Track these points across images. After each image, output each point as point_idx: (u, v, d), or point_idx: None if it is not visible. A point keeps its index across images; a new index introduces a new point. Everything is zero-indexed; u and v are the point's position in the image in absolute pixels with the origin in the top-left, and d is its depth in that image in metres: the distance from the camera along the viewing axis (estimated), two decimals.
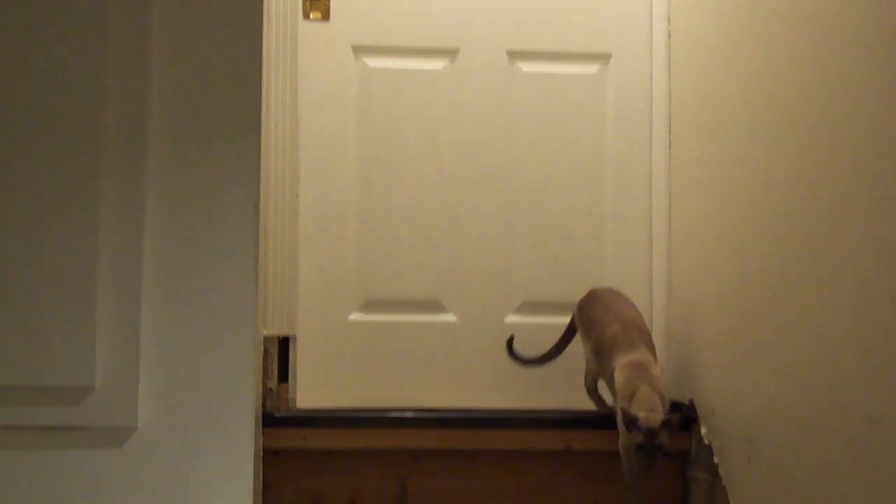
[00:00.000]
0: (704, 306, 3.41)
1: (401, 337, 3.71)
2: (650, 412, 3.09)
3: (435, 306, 3.74)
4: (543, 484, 3.40)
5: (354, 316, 3.71)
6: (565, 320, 3.58)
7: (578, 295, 3.60)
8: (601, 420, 3.38)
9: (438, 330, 3.73)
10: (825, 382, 2.65)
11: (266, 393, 3.44)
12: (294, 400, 3.58)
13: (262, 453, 3.18)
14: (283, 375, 3.56)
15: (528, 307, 3.76)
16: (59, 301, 1.79)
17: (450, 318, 3.74)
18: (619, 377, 3.23)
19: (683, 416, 3.31)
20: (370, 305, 3.72)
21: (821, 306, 2.68)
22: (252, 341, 1.88)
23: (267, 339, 3.49)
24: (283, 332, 3.58)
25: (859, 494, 2.49)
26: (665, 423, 3.08)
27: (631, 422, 3.08)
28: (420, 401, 3.64)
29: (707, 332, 3.38)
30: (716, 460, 3.23)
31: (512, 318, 3.75)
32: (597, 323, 3.40)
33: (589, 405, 3.48)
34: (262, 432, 3.21)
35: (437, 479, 3.36)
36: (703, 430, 3.30)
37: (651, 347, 3.31)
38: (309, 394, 3.62)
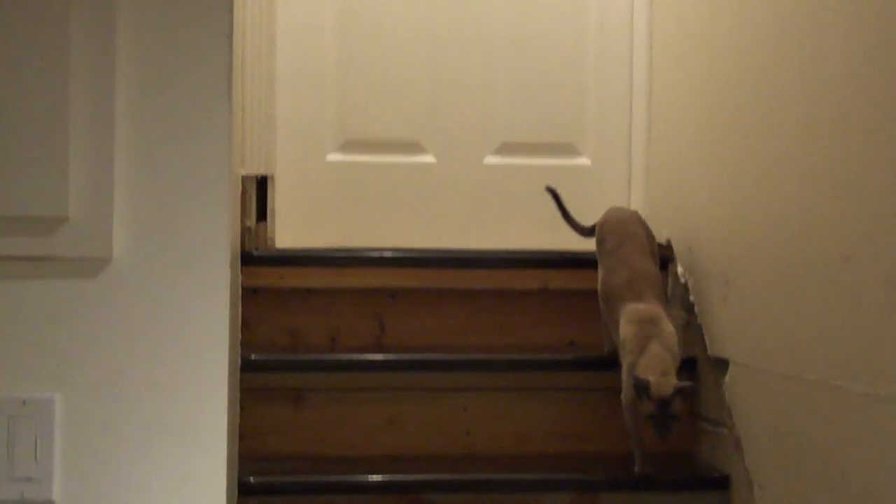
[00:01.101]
0: (684, 144, 3.39)
1: (379, 177, 3.70)
2: (663, 376, 2.87)
3: (414, 147, 3.72)
4: (520, 322, 3.42)
5: (333, 156, 3.69)
6: (545, 161, 3.57)
7: (558, 136, 3.58)
8: (577, 260, 3.39)
9: (417, 170, 3.72)
10: (803, 222, 2.66)
11: (244, 232, 3.43)
12: (273, 239, 3.58)
13: (240, 291, 3.19)
14: (262, 215, 3.56)
15: (508, 148, 3.74)
16: (31, 128, 1.77)
17: (428, 158, 3.73)
18: (626, 329, 3.02)
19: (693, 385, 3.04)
20: (348, 146, 3.70)
21: (800, 145, 2.68)
22: (227, 175, 1.87)
23: (245, 179, 3.47)
24: (262, 171, 3.56)
25: (834, 332, 2.51)
26: (679, 391, 2.86)
27: (641, 388, 2.86)
28: (398, 241, 3.65)
29: (686, 170, 3.37)
30: (691, 298, 3.25)
31: (491, 159, 3.74)
32: (607, 261, 3.17)
33: (565, 245, 3.47)
34: (241, 271, 3.22)
35: (414, 318, 3.39)
36: (680, 269, 3.32)
37: (661, 298, 3.12)
38: (287, 233, 3.62)
